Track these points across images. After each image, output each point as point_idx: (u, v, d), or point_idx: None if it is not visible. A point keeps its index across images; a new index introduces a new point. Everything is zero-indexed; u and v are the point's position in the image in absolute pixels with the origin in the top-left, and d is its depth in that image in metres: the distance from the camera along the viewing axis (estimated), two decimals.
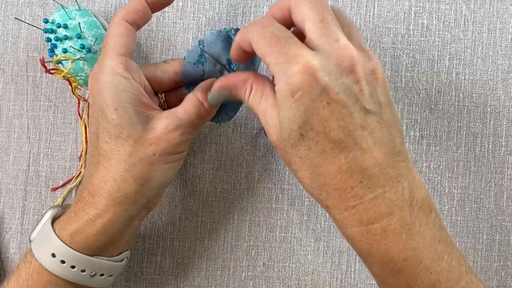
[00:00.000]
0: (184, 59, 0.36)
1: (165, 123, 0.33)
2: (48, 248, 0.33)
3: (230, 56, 0.33)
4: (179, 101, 0.37)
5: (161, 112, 0.34)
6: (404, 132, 0.43)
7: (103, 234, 0.33)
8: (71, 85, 0.40)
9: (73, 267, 0.33)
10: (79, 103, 0.43)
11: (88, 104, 0.34)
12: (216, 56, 0.36)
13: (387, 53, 0.43)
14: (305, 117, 0.27)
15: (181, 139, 0.34)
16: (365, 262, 0.30)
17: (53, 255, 0.33)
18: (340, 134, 0.27)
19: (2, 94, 0.44)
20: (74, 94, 0.41)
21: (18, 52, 0.44)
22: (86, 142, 0.43)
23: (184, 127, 0.34)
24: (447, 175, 0.43)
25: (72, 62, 0.38)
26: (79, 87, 0.41)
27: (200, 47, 0.36)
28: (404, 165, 0.29)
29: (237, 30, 0.36)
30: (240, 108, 0.44)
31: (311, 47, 0.28)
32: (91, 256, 0.33)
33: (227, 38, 0.36)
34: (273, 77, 0.28)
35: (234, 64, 0.37)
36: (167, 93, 0.38)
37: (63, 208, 0.36)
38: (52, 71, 0.39)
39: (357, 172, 0.28)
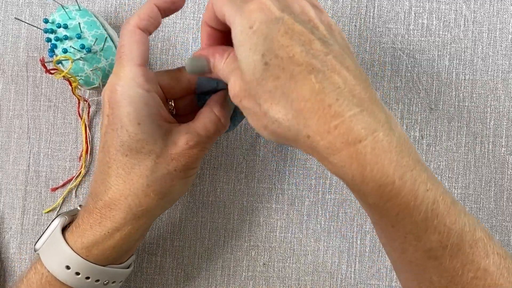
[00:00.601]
0: (198, 77, 0.36)
1: (186, 139, 0.33)
2: (62, 260, 0.33)
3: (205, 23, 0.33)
4: (187, 107, 0.37)
5: (179, 126, 0.34)
6: (404, 132, 0.43)
7: (120, 247, 0.34)
8: (71, 85, 0.40)
9: (87, 278, 0.33)
10: (79, 103, 0.43)
11: (102, 113, 0.34)
12: None
13: (387, 53, 0.43)
14: (266, 44, 0.27)
15: (200, 154, 0.34)
16: (360, 194, 0.28)
17: (68, 267, 0.33)
18: (305, 56, 0.27)
19: (2, 94, 0.44)
20: (74, 94, 0.41)
21: (18, 52, 0.44)
22: (86, 142, 0.43)
23: (203, 143, 0.34)
24: (447, 175, 0.43)
25: (72, 62, 0.38)
26: (79, 87, 0.41)
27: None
28: (371, 91, 0.28)
29: None
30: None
31: None
32: (105, 265, 0.34)
33: None
34: None
35: None
36: (176, 100, 0.38)
37: (70, 215, 0.36)
38: (52, 71, 0.39)
39: (331, 91, 0.27)
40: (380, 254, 0.43)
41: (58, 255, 0.33)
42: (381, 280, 0.43)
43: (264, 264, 0.43)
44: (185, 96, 0.37)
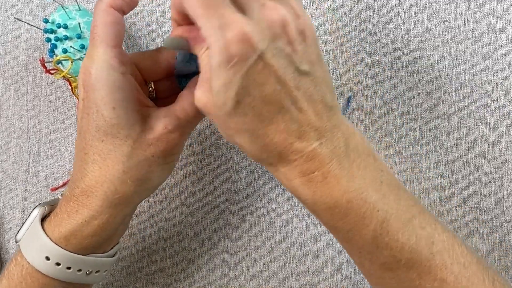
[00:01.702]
0: (176, 58, 0.35)
1: (164, 123, 0.32)
2: (41, 251, 0.32)
3: (171, 18, 0.31)
4: (168, 89, 0.36)
5: (158, 110, 0.33)
6: (404, 132, 0.43)
7: (99, 235, 0.33)
8: (71, 85, 0.40)
9: (69, 268, 0.32)
10: (78, 103, 0.43)
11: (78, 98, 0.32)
12: None
13: (387, 53, 0.43)
14: (241, 83, 0.26)
15: (180, 139, 0.33)
16: (314, 212, 0.31)
17: (47, 258, 0.32)
18: (276, 96, 0.27)
19: (2, 94, 0.44)
20: (74, 94, 0.41)
21: (18, 52, 0.44)
22: None
23: (182, 126, 0.33)
24: (447, 175, 0.43)
25: (72, 62, 0.38)
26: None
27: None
28: (336, 118, 0.30)
29: None
30: None
31: (240, 10, 0.27)
32: (85, 255, 0.33)
33: None
34: None
35: None
36: (156, 82, 0.36)
37: (50, 205, 0.35)
38: (52, 71, 0.39)
39: (294, 130, 0.28)
40: None
41: (37, 246, 0.32)
42: None
43: (264, 264, 0.43)
44: (165, 79, 0.36)
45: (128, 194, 0.32)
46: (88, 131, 0.32)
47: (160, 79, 0.36)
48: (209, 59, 0.27)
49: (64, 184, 0.43)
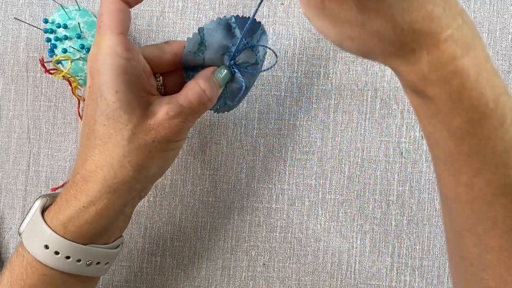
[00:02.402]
0: (184, 48, 0.35)
1: (166, 109, 0.32)
2: (40, 240, 0.31)
3: None
4: (177, 85, 0.36)
5: (161, 97, 0.33)
6: (404, 132, 0.43)
7: (97, 222, 0.32)
8: (71, 85, 0.40)
9: (68, 257, 0.32)
10: (79, 103, 0.43)
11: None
12: (217, 44, 0.36)
13: None
14: None
15: (181, 126, 0.33)
16: (448, 114, 0.26)
17: (46, 247, 0.31)
18: None
19: (2, 94, 0.44)
20: (74, 94, 0.41)
21: (18, 52, 0.44)
22: None
23: (185, 114, 0.33)
24: None
25: (71, 62, 0.38)
26: (79, 87, 0.41)
27: (200, 35, 0.35)
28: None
29: (237, 17, 0.36)
30: (240, 107, 0.44)
31: None
32: (85, 244, 0.32)
33: (227, 26, 0.36)
34: None
35: (235, 53, 0.36)
36: (165, 76, 0.37)
37: (52, 197, 0.34)
38: (51, 71, 0.39)
39: (438, 4, 0.24)
40: (380, 254, 0.43)
41: (37, 235, 0.32)
42: (381, 280, 0.43)
43: (264, 264, 0.43)
44: (173, 73, 0.37)
45: (126, 179, 0.32)
46: (92, 117, 0.32)
47: (167, 71, 0.36)
48: None
49: (64, 184, 0.43)
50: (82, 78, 0.40)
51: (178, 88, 0.37)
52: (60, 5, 0.40)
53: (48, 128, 0.44)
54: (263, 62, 0.39)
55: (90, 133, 0.32)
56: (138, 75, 0.33)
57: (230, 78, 0.37)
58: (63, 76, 0.38)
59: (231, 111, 0.44)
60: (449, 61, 0.25)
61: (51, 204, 0.34)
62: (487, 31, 0.43)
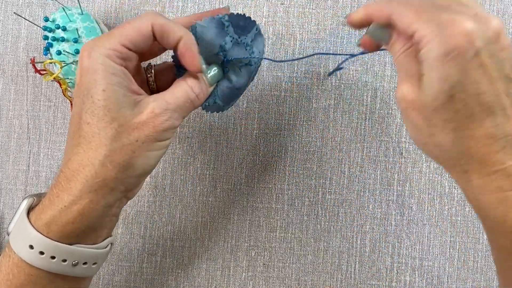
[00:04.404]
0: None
1: (152, 107, 0.32)
2: (25, 240, 0.31)
3: (351, 21, 0.32)
4: (169, 81, 0.36)
5: (148, 96, 0.33)
6: (404, 132, 0.43)
7: (80, 222, 0.31)
8: (61, 86, 0.40)
9: (53, 257, 0.31)
10: (71, 105, 0.43)
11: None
12: (209, 41, 0.35)
13: (387, 53, 0.43)
14: (459, 77, 0.27)
15: (167, 124, 0.32)
16: (493, 232, 0.30)
17: (31, 247, 0.31)
18: (489, 97, 0.28)
19: (2, 94, 0.44)
20: (65, 95, 0.40)
21: (18, 52, 0.44)
22: None
23: (170, 111, 0.32)
24: (447, 175, 0.43)
25: (61, 68, 0.38)
26: (69, 89, 0.41)
27: (192, 32, 0.35)
28: None
29: (230, 15, 0.36)
30: (240, 107, 0.44)
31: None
32: (70, 244, 0.32)
33: (220, 24, 0.36)
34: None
35: (227, 50, 0.36)
36: (158, 72, 0.37)
37: (39, 196, 0.34)
38: (42, 72, 0.39)
39: (501, 138, 0.28)
40: (380, 254, 0.43)
41: (22, 235, 0.32)
42: (381, 280, 0.43)
43: (264, 264, 0.43)
44: (166, 69, 0.37)
45: (108, 179, 0.32)
46: (77, 114, 0.32)
47: (155, 55, 0.37)
48: (424, 53, 0.28)
49: None
50: (72, 81, 0.39)
51: (170, 84, 0.37)
52: (62, 7, 0.40)
53: (48, 128, 0.44)
54: (258, 65, 0.39)
55: (75, 131, 0.32)
56: (127, 78, 0.33)
57: (221, 77, 0.36)
58: (54, 77, 0.38)
59: (231, 111, 0.44)
60: (495, 191, 0.28)
61: (38, 204, 0.33)
62: None
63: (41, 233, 0.31)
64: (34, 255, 0.31)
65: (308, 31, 0.44)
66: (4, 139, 0.44)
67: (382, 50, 0.33)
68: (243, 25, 0.37)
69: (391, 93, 0.43)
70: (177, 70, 0.36)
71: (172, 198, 0.44)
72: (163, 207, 0.44)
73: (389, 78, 0.43)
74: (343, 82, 0.44)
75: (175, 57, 0.35)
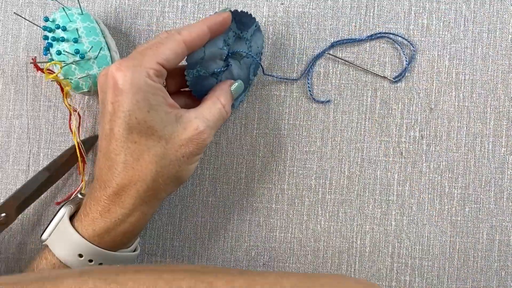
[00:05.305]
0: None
1: (196, 124, 0.34)
2: (74, 248, 0.33)
3: None
4: (177, 84, 0.38)
5: (187, 112, 0.35)
6: (404, 132, 0.43)
7: (131, 232, 0.34)
8: (62, 91, 0.39)
9: (100, 264, 0.34)
10: (70, 115, 0.42)
11: (103, 100, 0.34)
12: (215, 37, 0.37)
13: (387, 53, 0.43)
14: None
15: (208, 141, 0.35)
16: None
17: (80, 256, 0.33)
18: None
19: (2, 94, 0.44)
20: (64, 103, 0.40)
21: (18, 52, 0.44)
22: (81, 154, 0.41)
23: (210, 128, 0.35)
24: (447, 175, 0.43)
25: (61, 68, 0.38)
26: (70, 93, 0.40)
27: None
28: None
29: (235, 11, 0.37)
30: (240, 106, 0.44)
31: None
32: (115, 251, 0.35)
33: None
34: None
35: (230, 45, 0.38)
36: (166, 79, 0.38)
37: (74, 204, 0.36)
38: (46, 71, 0.38)
39: None
40: (380, 254, 0.43)
41: (69, 244, 0.34)
42: (381, 280, 0.43)
43: (264, 264, 0.43)
44: (173, 73, 0.38)
45: (158, 191, 0.34)
46: (119, 133, 0.33)
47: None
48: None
49: (69, 197, 0.43)
50: (72, 82, 0.39)
51: (178, 87, 0.39)
52: (63, 7, 0.40)
53: (48, 128, 0.44)
54: (259, 60, 0.40)
55: (118, 149, 0.33)
56: (164, 94, 0.34)
57: (243, 89, 0.39)
58: (56, 80, 0.38)
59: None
60: None
61: (76, 212, 0.36)
62: (487, 31, 0.43)
63: (92, 243, 0.34)
64: (83, 263, 0.34)
65: (308, 31, 0.44)
66: (4, 139, 0.44)
67: None
68: (244, 21, 0.39)
69: (391, 93, 0.43)
70: (186, 71, 0.37)
71: (172, 198, 0.44)
72: (163, 207, 0.44)
73: (389, 78, 0.43)
74: (343, 82, 0.44)
75: (186, 57, 0.36)
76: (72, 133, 0.42)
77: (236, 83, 0.38)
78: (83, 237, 0.34)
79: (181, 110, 0.35)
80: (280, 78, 0.43)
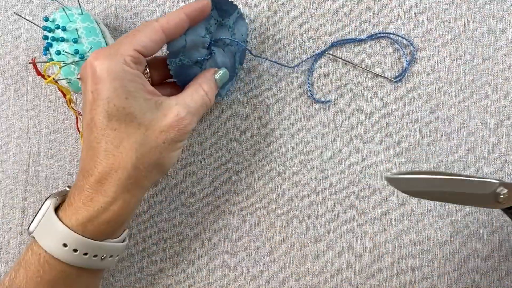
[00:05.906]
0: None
1: (176, 110, 0.34)
2: (58, 238, 0.33)
3: None
4: (161, 74, 0.38)
5: (168, 99, 0.35)
6: (404, 132, 0.43)
7: (114, 221, 0.34)
8: (65, 97, 0.40)
9: (85, 254, 0.34)
10: (77, 119, 0.42)
11: (84, 90, 0.34)
12: (196, 25, 0.37)
13: (387, 53, 0.43)
14: None
15: (190, 127, 0.35)
16: None
17: (65, 245, 0.33)
18: None
19: (2, 94, 0.44)
20: (69, 107, 0.40)
21: (18, 52, 0.44)
22: None
23: (192, 114, 0.35)
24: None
25: (60, 68, 0.38)
26: (73, 100, 0.40)
27: None
28: None
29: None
30: (240, 106, 0.44)
31: None
32: (101, 241, 0.34)
33: None
34: None
35: (212, 33, 0.38)
36: (151, 70, 0.39)
37: (60, 195, 0.36)
38: (44, 76, 0.38)
39: None
40: (380, 255, 0.43)
41: (54, 234, 0.33)
42: (381, 280, 0.43)
43: (264, 264, 0.43)
44: (157, 64, 0.38)
45: (140, 179, 0.34)
46: (98, 121, 0.33)
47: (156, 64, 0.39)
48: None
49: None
50: (71, 82, 0.39)
51: (162, 78, 0.39)
52: (63, 7, 0.40)
53: (48, 128, 0.44)
54: (244, 49, 0.40)
55: (99, 137, 0.33)
56: (143, 81, 0.34)
57: (227, 78, 0.39)
58: (57, 87, 0.38)
59: (231, 111, 0.44)
60: None
61: (61, 203, 0.35)
62: (487, 31, 0.43)
63: (76, 232, 0.33)
64: (68, 253, 0.33)
65: (308, 31, 0.44)
66: (4, 139, 0.44)
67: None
68: (225, 9, 0.39)
69: (391, 93, 0.43)
70: (169, 60, 0.37)
71: (172, 198, 0.44)
72: (163, 207, 0.44)
73: (389, 78, 0.43)
74: (343, 82, 0.43)
75: (168, 45, 0.36)
76: (80, 135, 0.42)
77: (221, 71, 0.38)
78: (66, 226, 0.33)
79: (162, 97, 0.35)
80: (273, 61, 0.43)
